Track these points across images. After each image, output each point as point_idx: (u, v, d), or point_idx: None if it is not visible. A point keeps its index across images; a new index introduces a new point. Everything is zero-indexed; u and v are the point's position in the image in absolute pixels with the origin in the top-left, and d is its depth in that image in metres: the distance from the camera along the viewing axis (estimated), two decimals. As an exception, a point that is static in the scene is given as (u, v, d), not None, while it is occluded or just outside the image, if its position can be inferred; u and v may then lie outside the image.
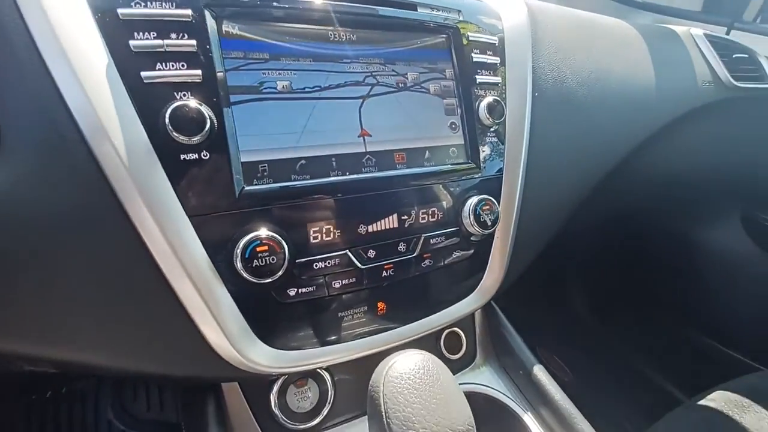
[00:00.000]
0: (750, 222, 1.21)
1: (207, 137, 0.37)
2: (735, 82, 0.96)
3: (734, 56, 1.01)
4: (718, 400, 0.79)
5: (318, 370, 0.51)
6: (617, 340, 1.34)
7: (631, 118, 0.77)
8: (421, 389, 0.31)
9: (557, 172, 0.63)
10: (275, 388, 0.50)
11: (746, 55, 1.03)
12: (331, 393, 0.52)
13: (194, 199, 0.37)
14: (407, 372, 0.32)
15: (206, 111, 0.37)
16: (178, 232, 0.37)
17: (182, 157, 0.37)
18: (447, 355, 0.62)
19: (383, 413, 0.30)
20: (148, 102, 0.36)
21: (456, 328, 0.63)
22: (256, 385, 0.49)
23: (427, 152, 0.50)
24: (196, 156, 0.37)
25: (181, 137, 0.36)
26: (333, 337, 0.46)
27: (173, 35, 0.37)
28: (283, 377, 0.50)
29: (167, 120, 0.35)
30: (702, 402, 0.79)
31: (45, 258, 0.35)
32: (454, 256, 0.52)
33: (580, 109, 0.66)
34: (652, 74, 0.83)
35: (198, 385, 0.49)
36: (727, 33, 1.13)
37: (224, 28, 0.40)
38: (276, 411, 0.49)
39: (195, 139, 0.36)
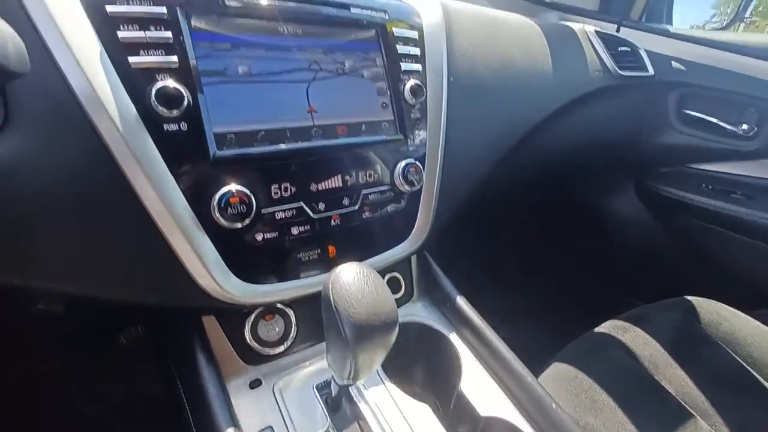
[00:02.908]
0: (640, 189, 1.46)
1: (184, 111, 0.47)
2: (620, 71, 1.18)
3: (620, 49, 1.23)
4: (607, 326, 1.00)
5: (282, 306, 0.63)
6: (534, 290, 1.57)
7: (532, 100, 0.94)
8: (360, 288, 0.43)
9: (471, 142, 0.78)
10: (248, 324, 0.61)
11: (629, 49, 1.26)
12: (294, 324, 0.63)
13: (177, 161, 0.47)
14: (350, 278, 0.44)
15: (183, 90, 0.46)
16: (165, 186, 0.46)
17: (165, 127, 0.46)
18: (389, 295, 0.75)
19: (335, 309, 0.42)
20: (135, 82, 0.45)
21: (396, 273, 0.76)
22: (232, 318, 0.59)
23: (363, 126, 0.63)
24: (176, 127, 0.47)
25: (164, 110, 0.45)
26: (293, 275, 0.57)
27: (152, 28, 0.46)
28: (255, 312, 0.60)
29: (152, 96, 0.45)
30: (596, 330, 0.99)
31: (52, 210, 0.44)
32: (388, 208, 0.65)
33: (488, 92, 0.82)
34: (550, 63, 1.00)
35: (182, 323, 0.58)
36: (617, 30, 1.35)
37: (193, 23, 0.49)
38: (250, 340, 0.60)
39: (175, 112, 0.46)
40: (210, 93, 0.50)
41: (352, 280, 0.43)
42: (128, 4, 0.45)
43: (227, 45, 0.52)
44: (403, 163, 0.64)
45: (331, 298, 0.41)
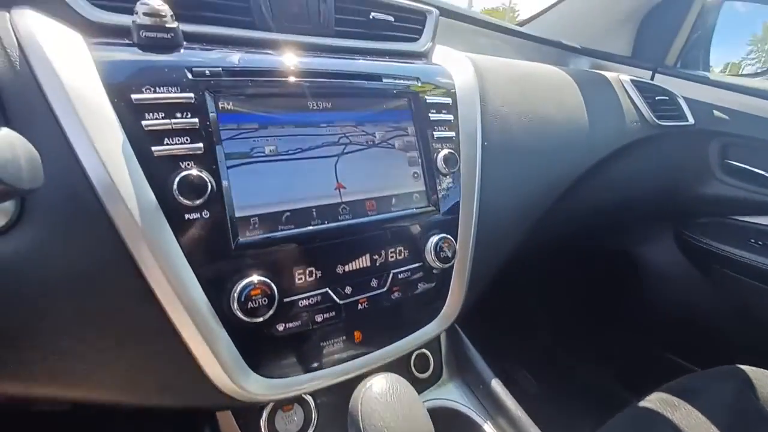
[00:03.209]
0: (680, 240, 1.37)
1: (207, 199, 0.44)
2: (658, 121, 1.12)
3: (657, 98, 1.18)
4: (654, 401, 0.90)
5: (302, 394, 0.57)
6: (571, 351, 1.46)
7: (569, 157, 0.89)
8: (391, 405, 0.38)
9: (505, 208, 0.73)
10: (265, 414, 0.56)
11: (667, 97, 1.20)
12: (314, 415, 0.58)
13: (196, 251, 0.44)
14: (380, 392, 0.39)
15: (207, 177, 0.44)
16: (182, 280, 0.43)
17: (186, 216, 0.43)
18: (416, 374, 0.69)
19: (361, 428, 0.37)
20: (157, 172, 0.42)
21: (424, 350, 0.71)
22: (248, 411, 0.54)
23: (393, 199, 0.59)
24: (198, 215, 0.44)
25: (186, 201, 0.43)
26: (316, 364, 0.53)
27: (179, 115, 0.44)
28: (271, 403, 0.56)
29: (175, 186, 0.42)
30: (641, 404, 0.90)
31: (63, 307, 0.41)
32: (419, 287, 0.60)
33: (523, 153, 0.77)
34: (586, 117, 0.96)
35: (192, 416, 0.54)
36: (652, 77, 1.30)
37: (221, 105, 0.47)
38: (266, 434, 0.55)
39: (197, 201, 0.43)
40: (235, 177, 0.47)
41: (383, 397, 0.38)
42: (155, 92, 0.43)
43: (255, 125, 0.49)
44: (435, 238, 0.60)
45: (361, 425, 0.36)
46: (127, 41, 0.45)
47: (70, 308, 0.41)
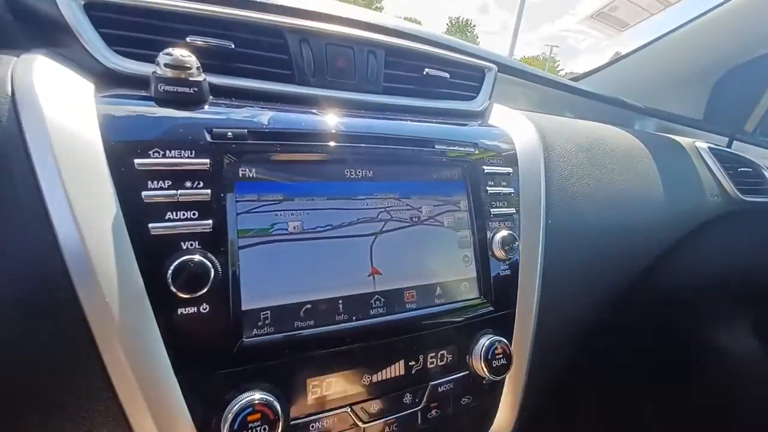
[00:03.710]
0: (763, 325, 1.16)
1: (209, 290, 0.35)
2: (742, 196, 0.97)
3: (739, 170, 1.03)
4: None
5: None
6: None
7: (644, 236, 0.76)
8: None
9: (571, 302, 0.60)
10: None
11: (750, 169, 1.05)
12: None
13: (186, 358, 0.34)
14: None
15: (211, 262, 0.35)
16: (162, 397, 0.33)
17: (179, 311, 0.34)
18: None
19: None
20: (151, 254, 0.34)
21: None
22: None
23: (438, 288, 0.48)
24: (194, 309, 0.35)
25: (182, 293, 0.34)
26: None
27: (188, 184, 0.36)
28: None
29: (169, 276, 0.33)
30: None
31: (17, 411, 0.32)
32: (462, 402, 0.48)
33: (592, 233, 0.65)
34: (661, 190, 0.83)
35: None
36: (729, 144, 1.16)
37: (241, 172, 0.39)
38: None
39: (197, 293, 0.34)
40: (247, 260, 0.38)
41: None
42: (163, 156, 0.35)
43: (278, 196, 0.41)
44: (486, 341, 0.48)
45: None
46: (144, 94, 0.39)
47: (25, 413, 0.32)
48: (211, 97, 0.41)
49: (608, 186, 0.71)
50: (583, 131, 0.79)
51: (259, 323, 0.38)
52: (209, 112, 0.39)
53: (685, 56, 1.27)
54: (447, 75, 0.59)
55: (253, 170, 0.40)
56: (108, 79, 0.40)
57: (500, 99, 0.70)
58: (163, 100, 0.38)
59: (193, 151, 0.36)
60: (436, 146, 0.50)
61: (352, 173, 0.45)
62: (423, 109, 0.57)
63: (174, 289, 0.33)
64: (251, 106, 0.43)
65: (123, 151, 0.35)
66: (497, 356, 0.48)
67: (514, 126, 0.63)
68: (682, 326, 1.25)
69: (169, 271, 0.33)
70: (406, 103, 0.56)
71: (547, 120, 0.73)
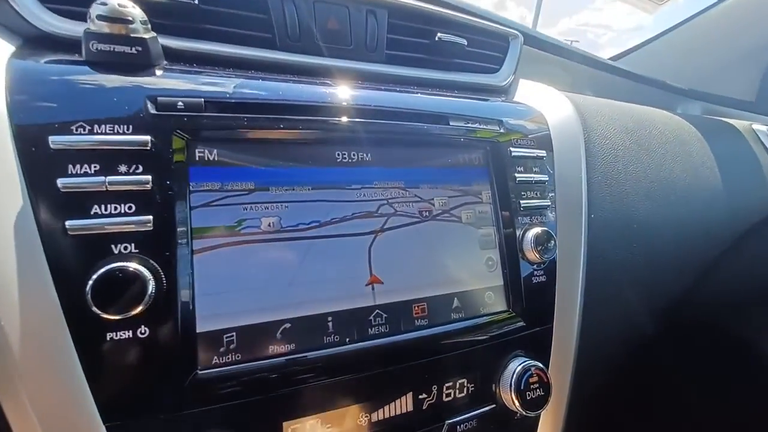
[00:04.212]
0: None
1: (148, 307, 0.26)
2: (810, 185, 0.83)
3: (807, 155, 0.88)
4: None
5: None
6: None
7: (703, 232, 0.64)
8: None
9: (620, 315, 0.49)
10: None
11: (820, 154, 0.91)
12: None
13: (118, 401, 0.26)
14: None
15: (151, 272, 0.26)
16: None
17: (108, 337, 0.26)
18: None
19: None
20: (70, 264, 0.25)
21: None
22: None
23: (455, 300, 0.38)
24: (128, 335, 0.26)
25: (107, 313, 0.25)
26: None
27: (122, 168, 0.27)
28: None
29: (88, 291, 0.25)
30: None
31: None
32: (488, 444, 0.38)
33: (645, 231, 0.54)
34: (719, 178, 0.71)
35: None
36: (788, 127, 1.01)
37: (197, 153, 0.30)
38: None
39: (131, 312, 0.26)
40: (204, 269, 0.29)
41: None
42: (90, 132, 0.27)
43: (249, 185, 0.32)
44: (517, 367, 0.38)
45: None
46: (78, 58, 0.31)
47: None
48: (165, 62, 0.33)
49: (659, 174, 0.60)
50: (627, 111, 0.68)
51: (221, 349, 0.29)
52: (156, 78, 0.31)
53: (734, 31, 1.13)
54: (464, 42, 0.49)
55: (214, 152, 0.31)
56: (38, 44, 0.32)
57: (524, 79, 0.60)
58: (97, 63, 0.30)
59: (130, 126, 0.28)
60: (452, 123, 0.40)
61: (345, 156, 0.36)
62: (434, 82, 0.48)
63: (96, 309, 0.25)
64: (213, 72, 0.34)
65: (35, 126, 0.26)
66: (532, 386, 0.37)
67: (546, 103, 0.53)
68: (744, 342, 1.11)
69: (89, 285, 0.25)
70: (413, 74, 0.46)
71: (585, 99, 0.62)
